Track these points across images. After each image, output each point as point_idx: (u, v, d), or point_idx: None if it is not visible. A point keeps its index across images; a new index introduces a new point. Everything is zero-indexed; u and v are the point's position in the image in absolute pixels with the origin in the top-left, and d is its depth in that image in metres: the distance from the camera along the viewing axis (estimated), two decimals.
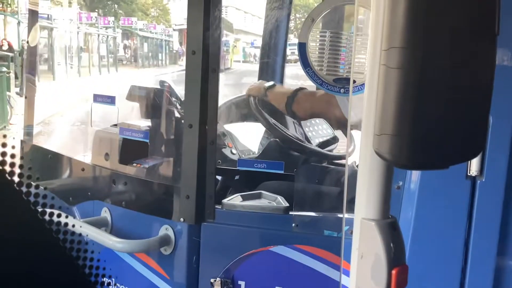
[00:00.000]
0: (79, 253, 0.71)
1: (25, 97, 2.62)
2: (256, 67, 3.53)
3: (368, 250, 0.77)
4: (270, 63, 3.35)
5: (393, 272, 0.76)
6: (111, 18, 27.01)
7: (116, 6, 33.04)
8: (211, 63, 1.77)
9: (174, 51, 33.85)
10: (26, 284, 0.64)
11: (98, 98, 2.14)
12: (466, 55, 0.68)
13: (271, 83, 2.49)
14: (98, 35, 24.93)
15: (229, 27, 30.40)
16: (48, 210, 0.66)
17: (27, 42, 2.69)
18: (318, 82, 1.78)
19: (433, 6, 0.66)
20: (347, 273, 0.86)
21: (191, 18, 1.78)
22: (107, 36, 25.94)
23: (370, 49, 0.72)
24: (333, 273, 1.69)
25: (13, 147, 0.62)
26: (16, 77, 13.43)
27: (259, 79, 3.33)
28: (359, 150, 0.79)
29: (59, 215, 0.68)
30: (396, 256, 0.76)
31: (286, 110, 2.35)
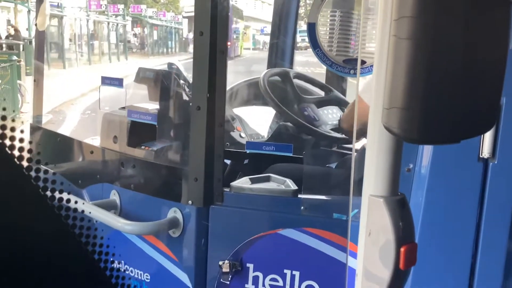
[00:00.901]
0: (89, 238, 0.71)
1: (34, 80, 2.63)
2: (266, 54, 3.50)
3: (376, 227, 0.76)
4: (280, 50, 3.33)
5: (402, 250, 0.74)
6: (121, 6, 27.02)
7: None
8: (219, 45, 1.74)
9: (184, 39, 33.81)
10: (35, 268, 0.64)
11: (106, 81, 2.13)
12: (480, 25, 0.65)
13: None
14: (108, 23, 24.98)
15: (239, 14, 30.23)
16: (58, 195, 0.66)
17: (35, 25, 2.69)
18: (327, 63, 1.75)
19: None
20: (354, 255, 0.85)
21: None
22: (117, 24, 25.98)
23: (380, 20, 0.70)
24: (341, 255, 1.68)
25: (21, 131, 0.62)
26: (27, 65, 13.51)
27: (268, 66, 3.30)
28: (368, 125, 0.77)
29: (68, 200, 0.67)
30: (405, 234, 0.74)
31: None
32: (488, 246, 1.49)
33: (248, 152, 2.31)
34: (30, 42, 16.82)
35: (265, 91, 2.43)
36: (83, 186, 2.20)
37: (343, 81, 3.11)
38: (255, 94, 2.78)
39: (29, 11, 21.41)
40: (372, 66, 0.74)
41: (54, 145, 2.41)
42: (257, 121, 2.79)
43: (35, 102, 2.65)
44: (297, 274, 1.77)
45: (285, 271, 1.78)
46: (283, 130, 2.51)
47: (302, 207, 1.79)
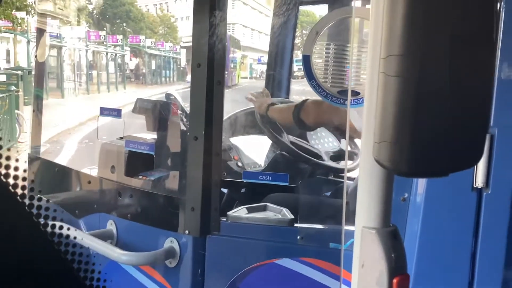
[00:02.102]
0: (80, 265, 0.71)
1: (33, 111, 2.65)
2: (263, 83, 3.55)
3: (369, 258, 0.77)
4: (276, 79, 3.38)
5: (394, 281, 0.75)
6: (120, 36, 27.35)
7: (124, 24, 33.45)
8: (216, 76, 1.78)
9: (182, 68, 34.12)
10: None
11: (104, 111, 2.16)
12: (465, 62, 0.68)
13: (274, 99, 2.49)
14: (107, 53, 25.28)
15: (237, 44, 30.64)
16: (51, 222, 0.67)
17: (35, 57, 2.73)
18: (322, 94, 1.78)
19: (431, 14, 0.66)
20: (348, 284, 0.86)
21: (196, 32, 1.79)
22: (115, 54, 26.28)
23: (369, 57, 0.73)
24: (338, 286, 1.67)
25: (17, 160, 0.63)
26: (25, 95, 13.61)
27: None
28: (360, 159, 0.79)
29: (61, 227, 0.68)
30: (397, 265, 0.75)
31: (293, 119, 2.33)
32: (484, 275, 1.49)
33: (245, 181, 2.32)
34: (29, 72, 16.93)
35: (261, 121, 2.46)
36: (80, 216, 2.20)
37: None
38: (251, 124, 2.81)
39: (28, 42, 21.61)
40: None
41: (52, 175, 2.42)
42: (254, 150, 2.81)
43: (33, 132, 2.67)
44: None
45: None
46: (280, 159, 2.53)
47: (298, 237, 1.79)
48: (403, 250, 0.78)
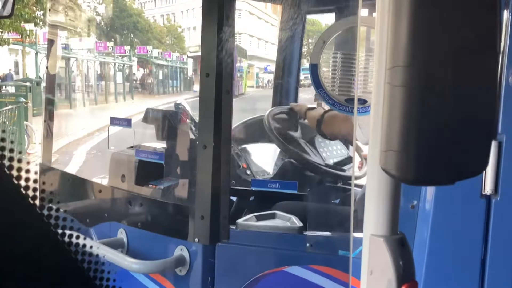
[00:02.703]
0: (96, 273, 0.73)
1: (44, 121, 2.69)
2: (270, 92, 3.58)
3: (377, 266, 0.78)
4: (284, 88, 3.39)
5: None
6: (127, 47, 27.51)
7: (132, 35, 33.67)
8: (224, 85, 1.80)
9: (189, 78, 34.23)
10: None
11: (114, 121, 2.19)
12: (469, 72, 0.69)
13: (313, 105, 2.55)
14: (114, 64, 25.40)
15: (243, 53, 30.74)
16: (68, 232, 0.68)
17: (47, 68, 2.77)
18: (330, 102, 1.80)
19: (435, 24, 0.67)
20: None
21: (205, 41, 1.82)
22: (123, 65, 26.35)
23: (375, 68, 0.74)
24: None
25: (27, 171, 0.64)
26: (34, 106, 13.70)
27: (273, 104, 3.37)
28: (367, 168, 0.80)
29: (77, 237, 0.70)
30: (405, 272, 0.76)
31: (317, 131, 2.44)
32: (494, 283, 1.49)
33: (253, 189, 2.33)
34: (38, 84, 17.01)
35: (270, 129, 2.47)
36: (91, 225, 2.22)
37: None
38: (260, 132, 2.82)
39: (37, 53, 21.74)
40: None
41: (63, 185, 2.45)
42: (262, 158, 2.83)
43: (44, 142, 2.71)
44: None
45: None
46: (288, 167, 2.54)
47: (307, 244, 1.80)
48: (411, 257, 0.78)
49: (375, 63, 0.74)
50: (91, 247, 0.72)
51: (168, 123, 2.24)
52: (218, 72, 1.78)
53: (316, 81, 1.79)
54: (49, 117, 2.72)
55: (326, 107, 2.53)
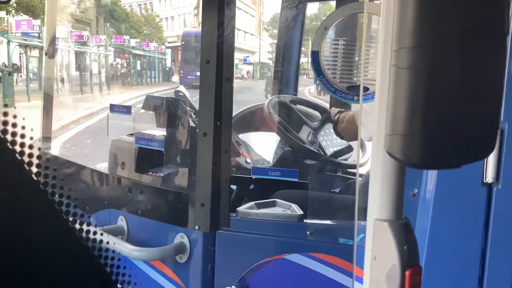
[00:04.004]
0: (107, 261, 0.73)
1: (44, 108, 2.67)
2: (250, 83, 3.56)
3: (381, 251, 0.77)
4: (284, 76, 3.38)
5: (407, 273, 0.75)
6: (103, 37, 26.42)
7: (108, 24, 32.93)
8: (225, 72, 1.79)
9: (167, 68, 33.37)
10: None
11: (114, 108, 2.18)
12: (476, 55, 0.68)
13: (340, 110, 2.56)
14: (90, 54, 24.35)
15: None
16: (78, 220, 0.68)
17: (45, 55, 2.75)
18: (331, 90, 1.79)
19: (442, 6, 0.66)
20: (360, 280, 0.86)
21: (206, 28, 1.80)
22: (99, 55, 25.37)
23: (380, 50, 0.73)
24: (347, 280, 1.68)
25: (30, 156, 0.64)
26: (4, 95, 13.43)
27: (273, 92, 3.36)
28: (371, 152, 0.79)
29: (81, 223, 0.70)
30: (409, 257, 0.76)
31: (336, 132, 2.51)
32: (494, 272, 1.49)
33: (254, 177, 2.33)
34: (10, 74, 16.49)
35: (270, 117, 2.46)
36: (91, 212, 2.22)
37: (346, 107, 3.15)
38: (260, 120, 2.82)
39: (8, 42, 21.12)
40: (374, 92, 0.77)
41: (63, 172, 2.44)
42: (262, 146, 2.82)
43: (44, 129, 2.69)
44: None
45: None
46: (288, 156, 2.54)
47: (308, 232, 1.80)
48: (415, 242, 0.78)
49: (380, 45, 0.73)
50: (94, 233, 0.72)
51: (168, 110, 2.23)
52: (219, 59, 1.77)
53: (318, 68, 1.78)
54: (48, 105, 2.71)
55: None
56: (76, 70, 22.74)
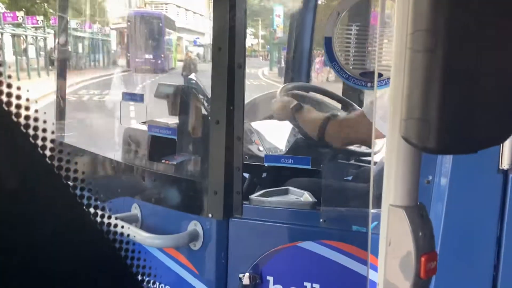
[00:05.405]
0: (122, 245, 0.73)
1: (57, 97, 2.69)
2: (201, 66, 3.50)
3: (396, 237, 0.77)
4: (296, 63, 3.35)
5: (422, 259, 0.75)
6: (40, 17, 24.17)
7: (45, 4, 29.25)
8: (237, 59, 1.78)
9: (113, 51, 31.28)
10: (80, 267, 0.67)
11: (126, 96, 2.18)
12: (493, 37, 0.66)
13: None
14: (26, 36, 22.45)
15: (172, 25, 27.70)
16: (100, 212, 0.69)
17: (58, 43, 2.76)
18: (344, 76, 1.77)
19: None
20: (375, 268, 0.86)
21: (217, 15, 1.79)
22: (36, 37, 23.43)
23: (396, 33, 0.72)
24: (360, 267, 1.68)
25: (60, 151, 0.64)
26: None
27: (285, 80, 3.33)
28: (386, 137, 0.78)
29: (102, 215, 0.70)
30: (425, 243, 0.75)
31: (319, 139, 2.14)
32: (510, 259, 1.48)
33: (266, 165, 2.32)
34: None
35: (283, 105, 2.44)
36: (105, 200, 2.23)
37: (360, 93, 3.11)
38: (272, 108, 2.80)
39: None
40: (388, 79, 0.76)
41: (75, 160, 2.46)
42: (275, 134, 2.81)
43: (57, 118, 2.71)
44: (317, 287, 1.77)
45: (305, 283, 1.78)
46: (301, 144, 2.52)
47: (321, 220, 1.80)
48: (431, 228, 0.77)
49: (395, 27, 0.72)
50: (109, 218, 0.73)
51: (180, 98, 2.23)
52: (231, 46, 1.76)
53: (330, 55, 1.76)
54: (62, 94, 2.72)
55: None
56: (13, 54, 20.81)
